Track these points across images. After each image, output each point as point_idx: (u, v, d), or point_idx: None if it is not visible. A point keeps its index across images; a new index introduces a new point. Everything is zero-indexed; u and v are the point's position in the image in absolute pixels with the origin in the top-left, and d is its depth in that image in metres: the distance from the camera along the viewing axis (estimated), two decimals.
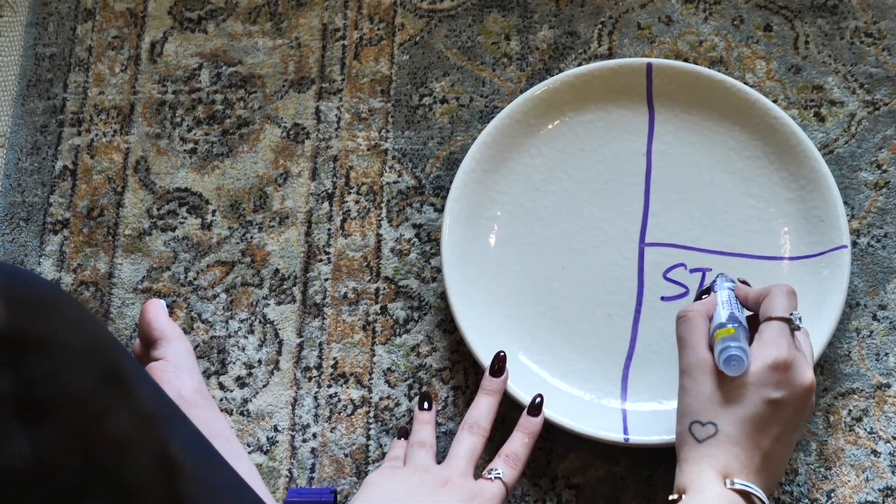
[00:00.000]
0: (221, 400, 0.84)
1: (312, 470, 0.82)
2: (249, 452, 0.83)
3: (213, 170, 0.92)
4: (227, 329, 0.87)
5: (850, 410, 0.81)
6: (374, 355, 0.85)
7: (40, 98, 0.95)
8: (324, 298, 0.87)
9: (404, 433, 0.81)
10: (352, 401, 0.84)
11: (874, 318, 0.83)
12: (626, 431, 0.79)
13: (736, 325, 0.69)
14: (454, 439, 0.77)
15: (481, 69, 0.93)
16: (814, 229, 0.83)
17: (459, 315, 0.82)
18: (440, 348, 0.85)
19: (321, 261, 0.88)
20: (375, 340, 0.85)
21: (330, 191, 0.90)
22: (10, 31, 0.98)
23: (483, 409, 0.78)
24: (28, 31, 0.98)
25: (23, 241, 0.91)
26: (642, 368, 0.82)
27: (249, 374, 0.85)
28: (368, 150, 0.91)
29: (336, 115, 0.92)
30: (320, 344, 0.86)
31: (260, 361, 0.85)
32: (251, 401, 0.84)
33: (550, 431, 0.80)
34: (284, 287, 0.87)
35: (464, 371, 0.84)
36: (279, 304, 0.87)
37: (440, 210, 0.89)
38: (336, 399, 0.84)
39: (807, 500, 0.79)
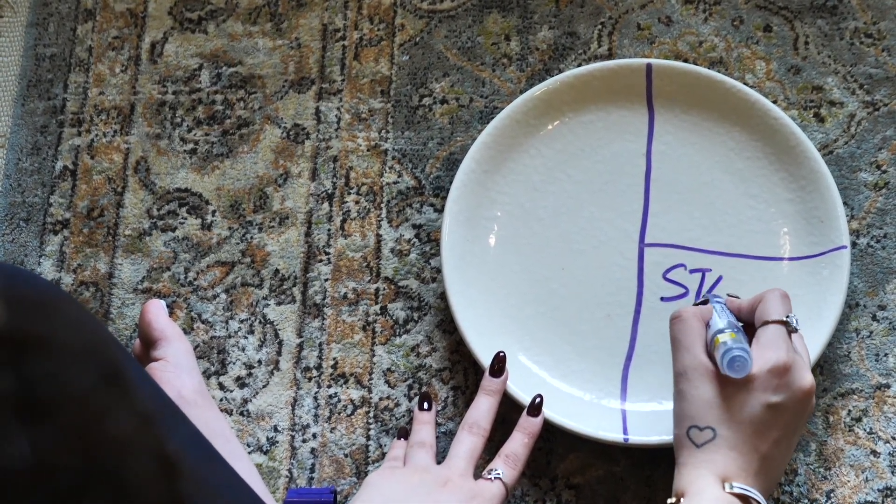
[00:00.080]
0: (221, 400, 0.84)
1: (312, 470, 0.82)
2: (249, 452, 0.83)
3: (213, 170, 0.92)
4: (227, 329, 0.87)
5: (849, 411, 0.81)
6: (373, 355, 0.85)
7: (40, 98, 0.95)
8: (324, 299, 0.87)
9: (404, 433, 0.81)
10: (352, 401, 0.84)
11: (874, 318, 0.83)
12: (625, 432, 0.79)
13: (735, 329, 0.69)
14: (454, 439, 0.77)
15: (481, 70, 0.93)
16: (813, 230, 0.83)
17: (459, 315, 0.82)
18: (440, 349, 0.85)
19: (321, 261, 0.88)
20: (375, 341, 0.85)
21: (330, 191, 0.90)
22: (11, 32, 0.98)
23: (483, 409, 0.78)
24: (28, 31, 0.98)
25: (23, 241, 0.91)
26: (642, 369, 0.82)
27: (249, 375, 0.85)
28: (368, 150, 0.91)
29: (336, 116, 0.92)
30: (320, 344, 0.86)
31: (260, 362, 0.86)
32: (251, 401, 0.84)
33: (550, 432, 0.80)
34: (284, 287, 0.87)
35: (463, 371, 0.84)
36: (279, 304, 0.87)
37: (440, 210, 0.89)
38: (336, 399, 0.84)
39: (806, 501, 0.79)
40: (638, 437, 0.78)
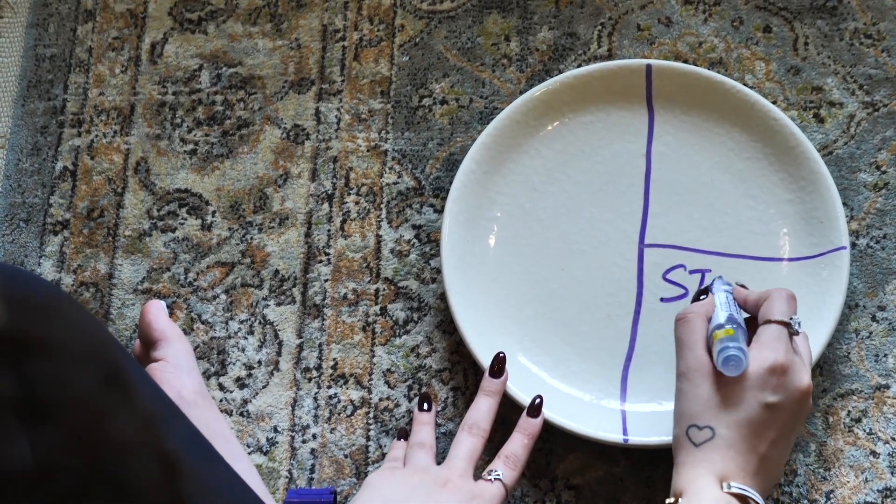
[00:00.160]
0: (221, 401, 0.84)
1: (312, 471, 0.82)
2: (249, 453, 0.83)
3: (213, 171, 0.92)
4: (227, 330, 0.87)
5: (849, 411, 0.81)
6: (373, 356, 0.85)
7: (41, 99, 0.95)
8: (323, 299, 0.87)
9: (404, 434, 0.81)
10: (351, 402, 0.84)
11: (873, 319, 0.83)
12: (625, 432, 0.79)
13: (734, 325, 0.69)
14: (454, 440, 0.77)
15: (481, 70, 0.93)
16: (813, 230, 0.83)
17: (459, 316, 0.82)
18: (440, 349, 0.85)
19: (321, 262, 0.88)
20: (375, 341, 0.86)
21: (330, 192, 0.90)
22: (11, 32, 0.98)
23: (483, 410, 0.78)
24: (28, 32, 0.98)
25: (23, 241, 0.91)
26: (642, 369, 0.82)
27: (249, 375, 0.85)
28: (368, 151, 0.91)
29: (336, 117, 0.92)
30: (320, 345, 0.86)
31: (260, 362, 0.86)
32: (251, 401, 0.84)
33: (550, 432, 0.80)
34: (284, 288, 0.88)
35: (463, 372, 0.84)
36: (279, 304, 0.87)
37: (440, 211, 0.89)
38: (336, 400, 0.84)
39: (806, 501, 0.79)
40: (638, 437, 0.78)
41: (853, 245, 0.85)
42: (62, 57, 0.97)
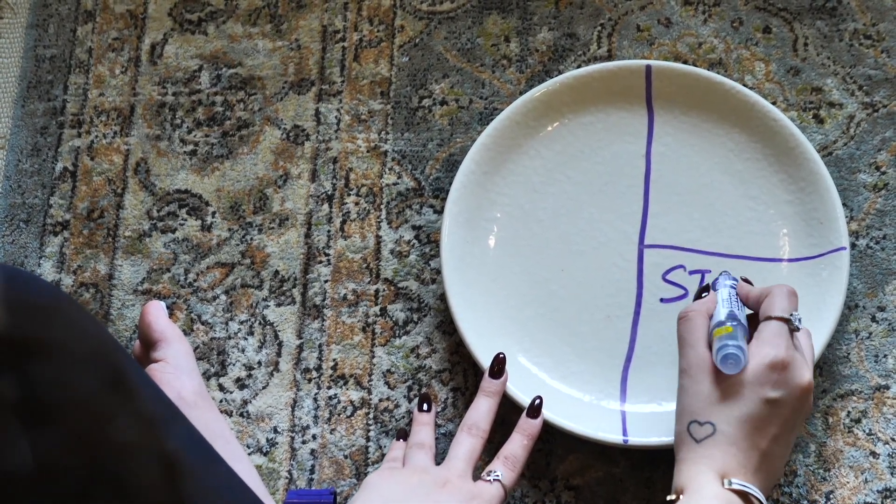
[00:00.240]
0: (221, 401, 0.85)
1: (312, 471, 0.82)
2: (249, 454, 0.83)
3: (212, 171, 0.92)
4: (227, 331, 0.87)
5: (848, 412, 0.81)
6: (373, 357, 0.85)
7: (40, 100, 0.95)
8: (323, 300, 0.87)
9: (403, 434, 0.81)
10: (351, 402, 0.84)
11: (873, 319, 0.83)
12: (625, 433, 0.79)
13: (734, 323, 0.69)
14: (453, 441, 0.77)
15: (481, 71, 0.93)
16: (813, 231, 0.83)
17: (459, 317, 0.82)
18: (440, 350, 0.85)
19: (321, 262, 0.88)
20: (375, 342, 0.86)
21: (330, 192, 0.90)
22: (11, 33, 0.98)
23: (482, 410, 0.78)
24: (28, 32, 0.98)
25: (23, 242, 0.91)
26: (641, 370, 0.82)
27: (249, 376, 0.85)
28: (368, 151, 0.91)
29: (336, 117, 0.92)
30: (320, 345, 0.86)
31: (260, 363, 0.86)
32: (251, 402, 0.85)
33: (550, 433, 0.80)
34: (284, 289, 0.88)
35: (463, 373, 0.84)
36: (279, 305, 0.87)
37: (440, 212, 0.89)
38: (336, 400, 0.84)
39: (806, 502, 0.79)
40: (637, 438, 0.78)
41: (853, 246, 0.85)
42: (62, 58, 0.97)
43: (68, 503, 0.52)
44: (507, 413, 0.80)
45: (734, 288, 0.74)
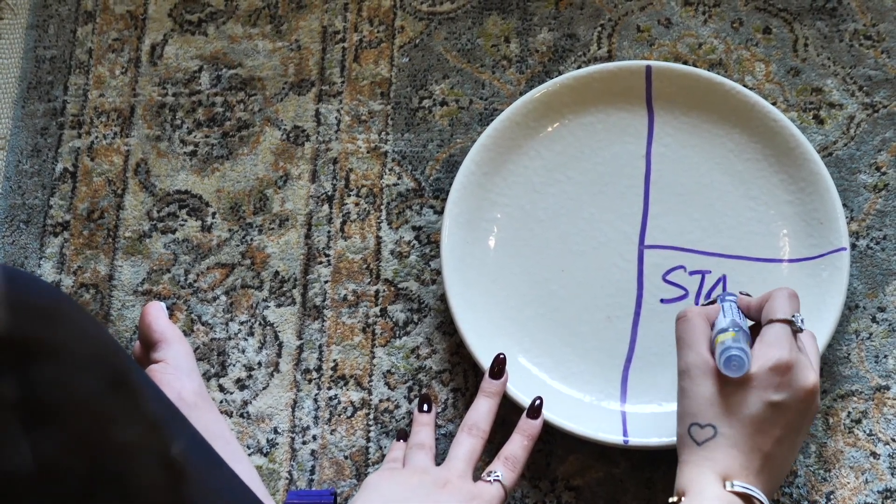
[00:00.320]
0: (221, 402, 0.85)
1: (312, 472, 0.82)
2: (249, 454, 0.83)
3: (213, 172, 0.92)
4: (227, 331, 0.87)
5: (849, 412, 0.81)
6: (373, 357, 0.85)
7: (41, 100, 0.95)
8: (323, 301, 0.87)
9: (403, 435, 0.81)
10: (351, 403, 0.84)
11: (873, 320, 0.83)
12: (625, 433, 0.79)
13: (737, 329, 0.69)
14: (453, 441, 0.77)
15: (481, 72, 0.93)
16: (813, 231, 0.83)
17: (459, 317, 0.82)
18: (440, 350, 0.85)
19: (321, 263, 0.88)
20: (375, 343, 0.86)
21: (330, 193, 0.90)
22: (11, 34, 0.98)
23: (482, 411, 0.78)
24: (28, 33, 0.98)
25: (23, 243, 0.91)
26: (642, 371, 0.82)
27: (249, 377, 0.85)
28: (368, 152, 0.91)
29: (336, 118, 0.92)
30: (320, 346, 0.86)
31: (260, 363, 0.86)
32: (251, 403, 0.85)
33: (550, 433, 0.80)
34: (284, 289, 0.88)
35: (463, 373, 0.84)
36: (279, 306, 0.87)
37: (440, 212, 0.89)
38: (336, 401, 0.84)
39: (806, 502, 0.79)
40: (638, 438, 0.78)
41: (853, 246, 0.85)
42: (62, 58, 0.97)
43: None
44: (508, 413, 0.80)
45: (734, 302, 0.74)
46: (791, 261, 0.84)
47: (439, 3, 0.95)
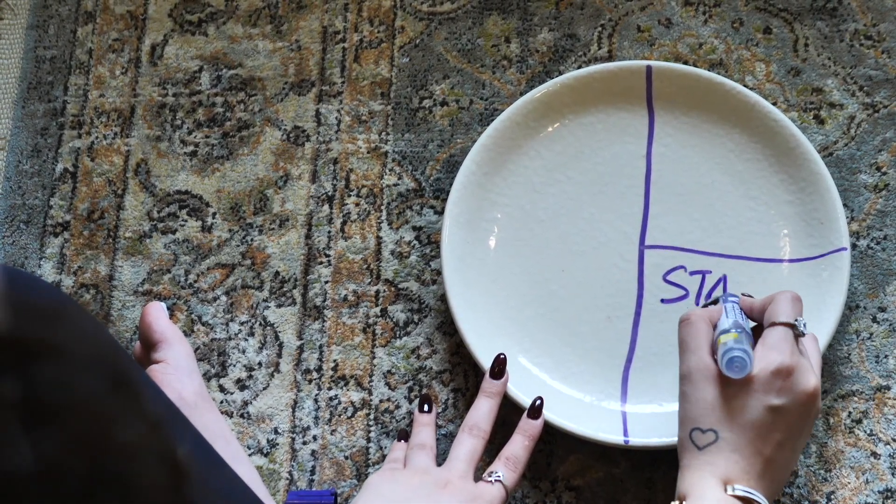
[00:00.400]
0: (222, 402, 0.84)
1: (312, 472, 0.82)
2: (250, 455, 0.83)
3: (213, 172, 0.92)
4: (228, 331, 0.87)
5: (849, 412, 0.81)
6: (374, 358, 0.85)
7: (41, 101, 0.95)
8: (324, 301, 0.87)
9: (404, 435, 0.81)
10: (352, 403, 0.84)
11: (874, 320, 0.83)
12: (625, 433, 0.79)
13: (739, 330, 0.69)
14: (454, 441, 0.77)
15: (481, 72, 0.93)
16: (813, 231, 0.83)
17: (459, 317, 0.82)
18: (440, 350, 0.85)
19: (321, 263, 0.88)
20: (375, 343, 0.86)
21: (330, 193, 0.90)
22: (11, 34, 0.98)
23: (483, 411, 0.78)
24: (28, 33, 0.98)
25: (23, 243, 0.91)
26: (642, 371, 0.82)
27: (250, 377, 0.85)
28: (368, 152, 0.91)
29: (336, 118, 0.92)
30: (320, 346, 0.86)
31: (260, 364, 0.86)
32: (251, 403, 0.84)
33: (550, 434, 0.80)
34: (284, 289, 0.88)
35: (464, 373, 0.84)
36: (279, 306, 0.87)
37: (440, 212, 0.89)
38: (336, 401, 0.84)
39: (807, 502, 0.79)
40: (638, 438, 0.78)
41: (853, 246, 0.85)
42: (62, 59, 0.97)
43: None
44: (508, 414, 0.80)
45: (736, 303, 0.74)
46: (791, 261, 0.84)
47: (439, 3, 0.95)
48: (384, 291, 0.87)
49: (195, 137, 0.93)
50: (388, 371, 0.85)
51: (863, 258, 0.85)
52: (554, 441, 0.81)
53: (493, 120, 0.88)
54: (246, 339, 0.86)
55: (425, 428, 0.80)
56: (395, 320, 0.86)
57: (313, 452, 0.83)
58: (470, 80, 0.93)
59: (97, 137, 0.94)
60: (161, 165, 0.92)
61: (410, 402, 0.84)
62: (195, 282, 0.88)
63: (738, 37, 0.92)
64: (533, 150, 0.88)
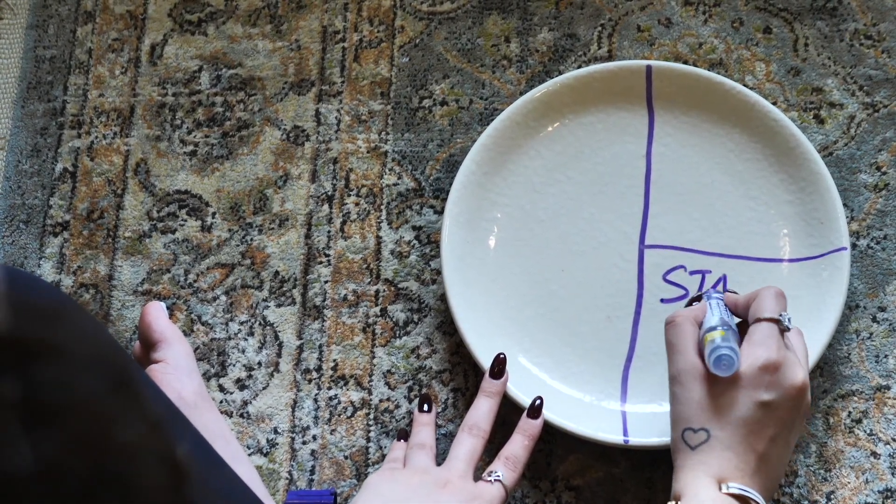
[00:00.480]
0: (221, 402, 0.84)
1: (312, 472, 0.82)
2: (249, 454, 0.83)
3: (212, 172, 0.92)
4: (227, 331, 0.87)
5: (849, 412, 0.81)
6: (373, 357, 0.85)
7: (40, 100, 0.95)
8: (324, 301, 0.87)
9: (404, 435, 0.81)
10: (352, 403, 0.84)
11: (874, 319, 0.83)
12: (625, 433, 0.79)
13: (725, 328, 0.69)
14: (454, 441, 0.77)
15: (481, 71, 0.93)
16: (813, 231, 0.83)
17: (459, 317, 0.82)
18: (440, 350, 0.85)
19: (321, 263, 0.88)
20: (375, 342, 0.86)
21: (330, 193, 0.90)
22: (11, 34, 0.98)
23: (483, 410, 0.78)
24: (28, 33, 0.98)
25: (23, 243, 0.91)
26: (642, 370, 0.82)
27: (249, 377, 0.85)
28: (368, 152, 0.91)
29: (336, 118, 0.92)
30: (320, 346, 0.86)
31: (260, 363, 0.86)
32: (251, 403, 0.84)
33: (550, 433, 0.80)
34: (284, 289, 0.88)
35: (463, 373, 0.84)
36: (279, 306, 0.87)
37: (440, 212, 0.89)
38: (336, 401, 0.84)
39: (806, 502, 0.79)
40: (638, 438, 0.78)
41: (853, 246, 0.85)
42: (62, 58, 0.97)
43: None
44: (508, 413, 0.80)
45: (721, 300, 0.74)
46: (791, 260, 0.84)
47: (439, 2, 0.95)
48: (384, 291, 0.87)
49: (195, 137, 0.93)
50: (388, 371, 0.85)
51: (863, 258, 0.85)
52: (554, 441, 0.81)
53: (492, 119, 0.88)
54: (245, 339, 0.86)
55: (425, 427, 0.80)
56: (394, 320, 0.86)
57: (313, 452, 0.83)
58: (470, 79, 0.93)
59: (97, 137, 0.94)
60: (161, 165, 0.92)
61: (410, 401, 0.84)
62: (195, 281, 0.88)
63: (738, 36, 0.92)
64: (533, 150, 0.88)
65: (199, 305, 0.88)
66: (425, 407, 0.81)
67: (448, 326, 0.85)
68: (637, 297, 0.84)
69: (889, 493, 0.79)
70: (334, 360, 0.85)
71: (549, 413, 0.79)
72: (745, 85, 0.89)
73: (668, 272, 0.84)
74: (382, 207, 0.89)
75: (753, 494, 0.65)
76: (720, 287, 0.83)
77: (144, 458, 0.54)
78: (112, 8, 0.98)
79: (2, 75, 0.97)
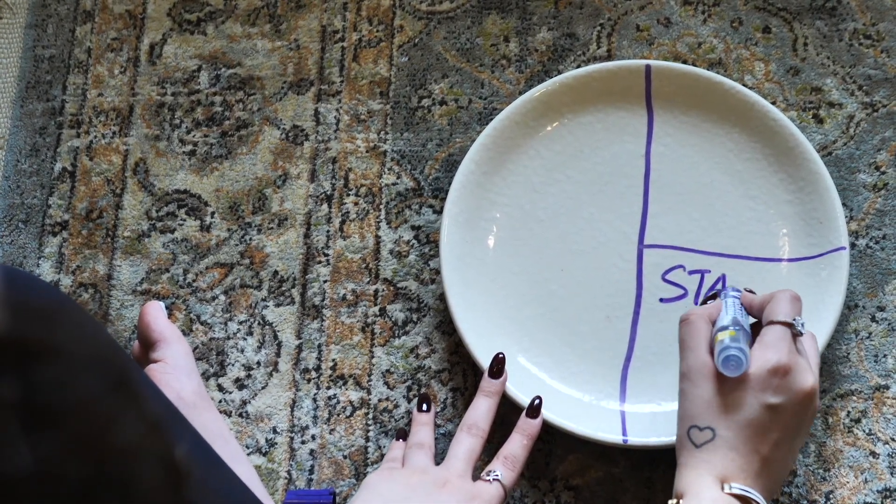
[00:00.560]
0: (220, 402, 0.84)
1: (311, 471, 0.82)
2: (248, 454, 0.83)
3: (211, 171, 0.92)
4: (226, 331, 0.87)
5: (848, 412, 0.81)
6: (372, 357, 0.85)
7: (39, 100, 0.95)
8: (323, 300, 0.87)
9: (403, 434, 0.81)
10: (350, 402, 0.84)
11: (873, 319, 0.83)
12: (624, 433, 0.79)
13: (737, 328, 0.69)
14: (453, 440, 0.77)
15: (480, 71, 0.93)
16: (812, 231, 0.83)
17: (458, 317, 0.82)
18: (439, 350, 0.85)
19: (320, 262, 0.88)
20: (374, 342, 0.85)
21: (329, 192, 0.90)
22: (10, 33, 0.98)
23: (482, 410, 0.78)
24: (27, 32, 0.98)
25: (22, 242, 0.91)
26: (641, 370, 0.82)
27: (248, 376, 0.85)
28: (367, 151, 0.91)
29: (335, 117, 0.92)
30: (319, 346, 0.86)
31: (259, 363, 0.85)
32: (250, 402, 0.84)
33: (549, 433, 0.80)
34: (283, 289, 0.87)
35: (463, 373, 0.84)
36: (278, 305, 0.87)
37: (439, 212, 0.89)
38: (335, 401, 0.84)
39: (805, 502, 0.79)
40: (637, 438, 0.78)
41: (852, 245, 0.85)
42: (61, 58, 0.97)
43: None
44: (507, 413, 0.80)
45: (738, 298, 0.74)
46: (790, 260, 0.84)
47: (438, 2, 0.95)
48: (383, 291, 0.87)
49: (194, 137, 0.93)
50: (387, 370, 0.85)
51: (862, 257, 0.85)
52: (553, 440, 0.81)
53: (492, 119, 0.88)
54: (244, 339, 0.86)
55: (424, 427, 0.80)
56: (393, 319, 0.86)
57: (312, 452, 0.83)
58: (469, 79, 0.93)
59: (96, 137, 0.94)
60: (160, 165, 0.92)
61: (409, 401, 0.84)
62: (194, 281, 0.88)
63: (737, 36, 0.92)
64: (532, 150, 0.88)
65: (198, 305, 0.88)
66: (424, 406, 0.81)
67: (447, 326, 0.85)
68: (636, 297, 0.84)
69: (888, 493, 0.79)
70: (333, 360, 0.85)
71: (548, 413, 0.79)
72: (744, 84, 0.89)
73: (668, 272, 0.84)
74: (381, 207, 0.89)
75: (755, 495, 0.65)
76: (740, 286, 0.83)
77: (144, 459, 0.54)
78: (111, 7, 0.98)
79: (1, 75, 0.97)
